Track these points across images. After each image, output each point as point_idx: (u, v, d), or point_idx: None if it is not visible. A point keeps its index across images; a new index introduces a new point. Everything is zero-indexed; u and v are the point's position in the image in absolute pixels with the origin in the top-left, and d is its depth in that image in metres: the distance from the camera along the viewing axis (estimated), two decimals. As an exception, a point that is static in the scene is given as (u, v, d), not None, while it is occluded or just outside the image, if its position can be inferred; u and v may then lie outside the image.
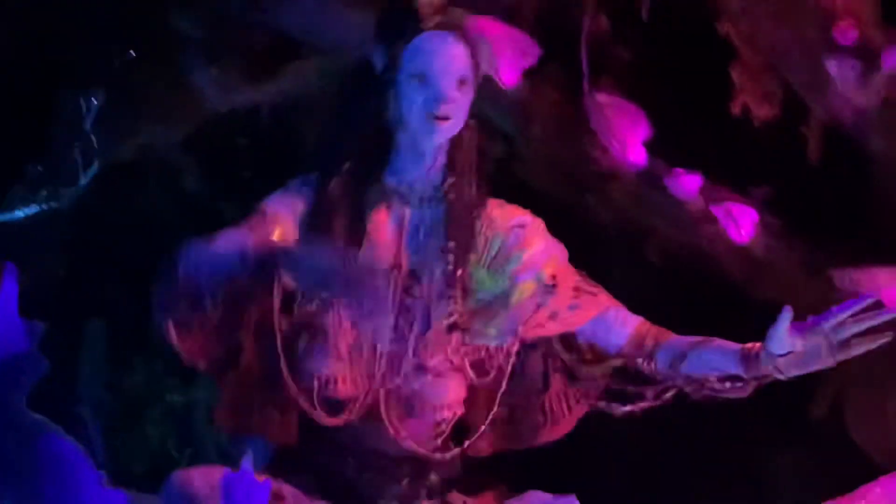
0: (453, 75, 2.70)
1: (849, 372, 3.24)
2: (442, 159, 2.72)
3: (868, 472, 3.21)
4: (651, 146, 3.78)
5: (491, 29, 3.47)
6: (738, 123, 3.75)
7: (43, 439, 2.41)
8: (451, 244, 2.77)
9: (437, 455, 2.74)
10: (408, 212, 2.75)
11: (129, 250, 3.81)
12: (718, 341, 2.80)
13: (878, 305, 2.72)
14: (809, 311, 3.42)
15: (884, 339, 2.73)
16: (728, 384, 2.82)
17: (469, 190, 2.80)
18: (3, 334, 2.42)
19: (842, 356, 2.72)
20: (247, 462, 2.31)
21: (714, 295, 3.77)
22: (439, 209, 2.78)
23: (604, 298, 2.82)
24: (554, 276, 2.83)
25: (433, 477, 2.72)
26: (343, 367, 2.71)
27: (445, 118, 2.68)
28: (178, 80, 3.69)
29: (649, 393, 2.88)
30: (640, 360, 2.88)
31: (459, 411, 2.76)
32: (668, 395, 2.88)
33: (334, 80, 3.68)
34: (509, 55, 3.70)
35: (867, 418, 3.73)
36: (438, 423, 2.73)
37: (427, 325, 2.73)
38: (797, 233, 3.76)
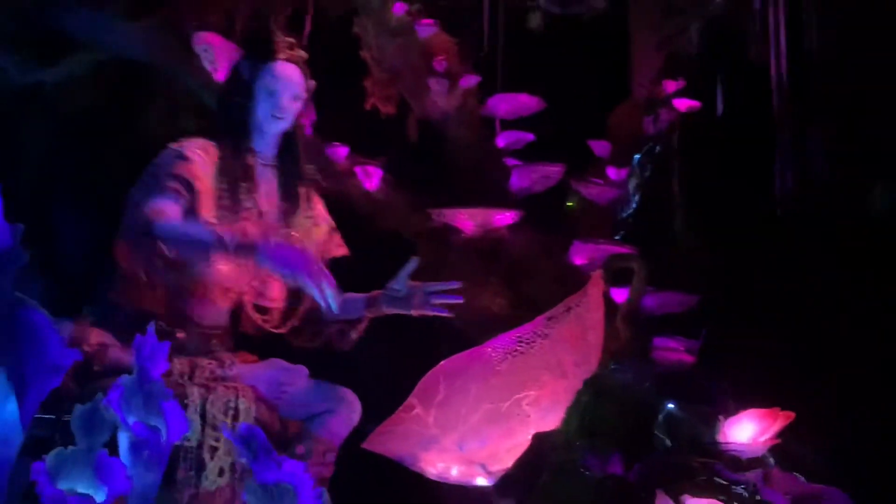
0: (291, 92, 3.12)
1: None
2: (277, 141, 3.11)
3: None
4: (316, 128, 4.07)
5: (213, 40, 4.01)
6: (371, 115, 4.22)
7: (22, 311, 2.37)
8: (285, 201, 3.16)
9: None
10: (263, 172, 3.11)
11: None
12: (353, 294, 3.19)
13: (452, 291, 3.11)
14: (414, 236, 4.03)
15: (447, 314, 3.11)
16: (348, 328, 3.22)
17: (296, 166, 3.19)
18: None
19: (425, 310, 3.12)
20: (151, 328, 2.45)
21: (353, 224, 3.72)
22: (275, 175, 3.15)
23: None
24: (331, 226, 3.32)
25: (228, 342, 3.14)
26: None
27: (281, 119, 3.11)
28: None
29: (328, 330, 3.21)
30: None
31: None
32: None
33: (99, 68, 4.04)
34: (226, 59, 3.94)
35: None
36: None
37: None
38: (404, 184, 4.19)
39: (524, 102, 4.16)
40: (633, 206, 4.04)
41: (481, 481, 3.42)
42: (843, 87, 4.15)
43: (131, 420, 2.42)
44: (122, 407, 2.42)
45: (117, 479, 2.36)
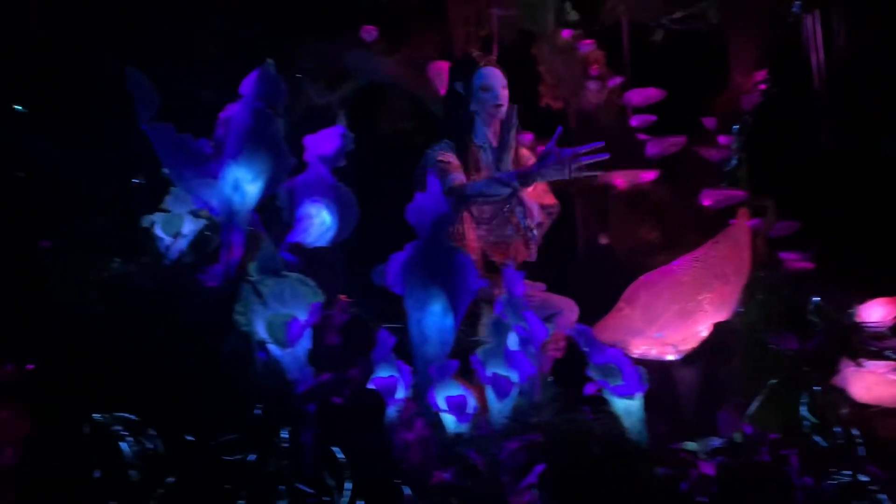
0: (502, 84, 3.45)
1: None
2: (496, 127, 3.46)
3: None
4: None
5: (443, 67, 4.37)
6: (544, 110, 4.55)
7: (455, 254, 2.87)
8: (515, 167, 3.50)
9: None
10: (486, 154, 3.47)
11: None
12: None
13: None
14: (578, 192, 4.34)
15: (595, 174, 3.27)
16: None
17: (514, 139, 3.52)
18: (438, 204, 2.75)
19: (575, 175, 3.21)
20: (511, 265, 2.99)
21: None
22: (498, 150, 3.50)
23: None
24: None
25: None
26: None
27: (501, 106, 3.44)
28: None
29: None
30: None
31: None
32: None
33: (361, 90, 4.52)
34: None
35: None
36: None
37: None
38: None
39: (652, 94, 4.56)
40: (734, 161, 4.50)
41: (671, 357, 3.68)
42: (858, 76, 4.66)
43: (514, 325, 2.95)
44: (506, 316, 2.94)
45: (522, 364, 2.90)
